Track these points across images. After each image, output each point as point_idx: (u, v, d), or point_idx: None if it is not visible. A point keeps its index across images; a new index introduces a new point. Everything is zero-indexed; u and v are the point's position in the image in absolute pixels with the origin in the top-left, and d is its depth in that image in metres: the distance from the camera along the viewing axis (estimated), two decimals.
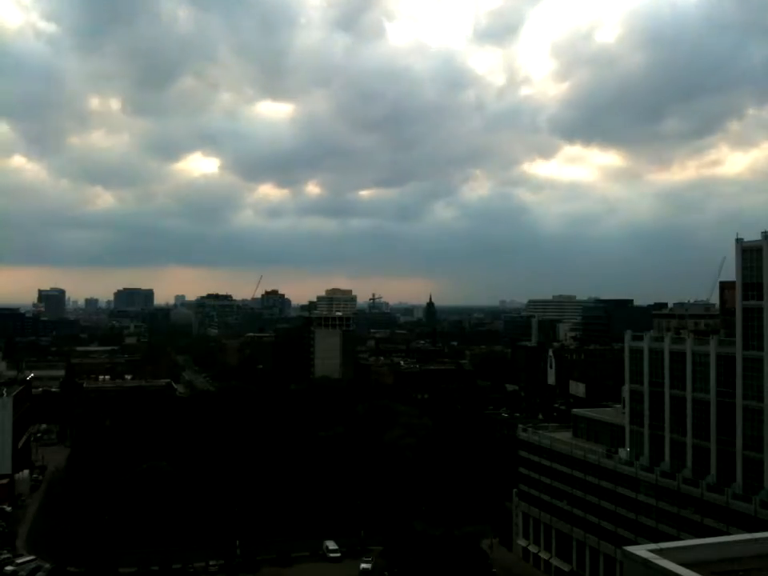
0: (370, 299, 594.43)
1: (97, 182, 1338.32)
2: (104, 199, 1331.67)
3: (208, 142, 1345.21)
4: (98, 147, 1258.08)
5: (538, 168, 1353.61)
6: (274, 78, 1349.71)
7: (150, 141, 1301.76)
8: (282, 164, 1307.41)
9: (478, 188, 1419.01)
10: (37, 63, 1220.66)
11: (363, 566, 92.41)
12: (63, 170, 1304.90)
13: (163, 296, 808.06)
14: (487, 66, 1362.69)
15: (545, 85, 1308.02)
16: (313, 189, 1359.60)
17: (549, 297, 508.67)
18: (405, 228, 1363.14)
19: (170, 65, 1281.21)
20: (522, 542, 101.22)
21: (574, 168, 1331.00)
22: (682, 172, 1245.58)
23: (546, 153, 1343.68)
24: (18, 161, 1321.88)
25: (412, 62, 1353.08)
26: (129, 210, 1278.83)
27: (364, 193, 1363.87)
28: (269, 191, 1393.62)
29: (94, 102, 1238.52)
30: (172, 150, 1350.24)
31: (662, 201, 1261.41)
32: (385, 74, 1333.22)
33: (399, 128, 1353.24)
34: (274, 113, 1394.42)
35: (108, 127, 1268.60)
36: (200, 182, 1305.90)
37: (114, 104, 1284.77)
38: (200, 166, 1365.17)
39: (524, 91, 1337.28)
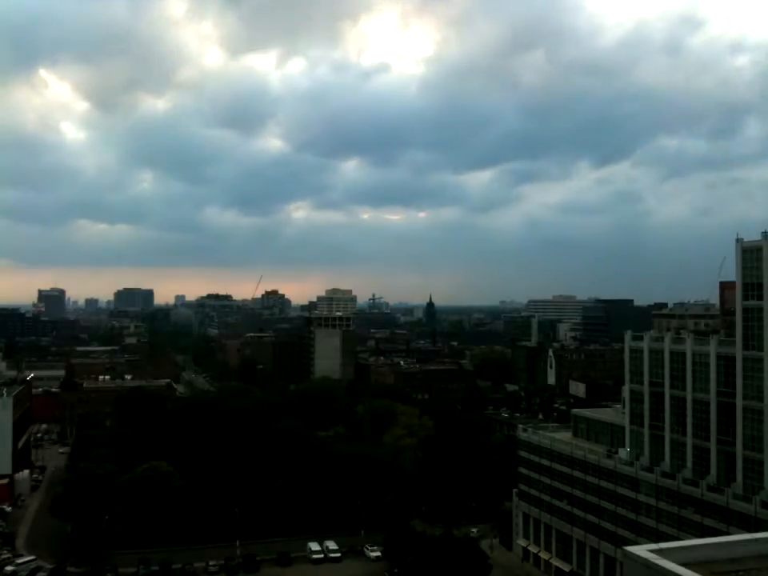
0: (370, 299, 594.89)
1: (144, 162, 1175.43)
2: (144, 184, 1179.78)
3: (302, 101, 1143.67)
4: (165, 113, 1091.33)
5: (694, 143, 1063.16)
6: None
7: (229, 105, 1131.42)
8: (379, 136, 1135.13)
9: (597, 168, 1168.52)
10: None
11: (374, 554, 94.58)
12: (112, 142, 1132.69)
13: (163, 296, 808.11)
14: None
15: None
16: (398, 170, 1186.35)
17: (549, 297, 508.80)
18: (481, 221, 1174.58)
19: None
20: (522, 542, 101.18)
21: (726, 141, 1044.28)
22: None
23: (720, 122, 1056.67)
24: (63, 130, 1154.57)
25: None
26: (169, 198, 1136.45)
27: (452, 178, 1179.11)
28: (352, 172, 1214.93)
29: (185, 39, 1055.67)
30: (249, 118, 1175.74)
31: None
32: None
33: (550, 85, 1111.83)
34: (403, 56, 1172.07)
35: (190, 80, 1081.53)
36: (269, 161, 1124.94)
37: (210, 42, 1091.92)
38: (278, 137, 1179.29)
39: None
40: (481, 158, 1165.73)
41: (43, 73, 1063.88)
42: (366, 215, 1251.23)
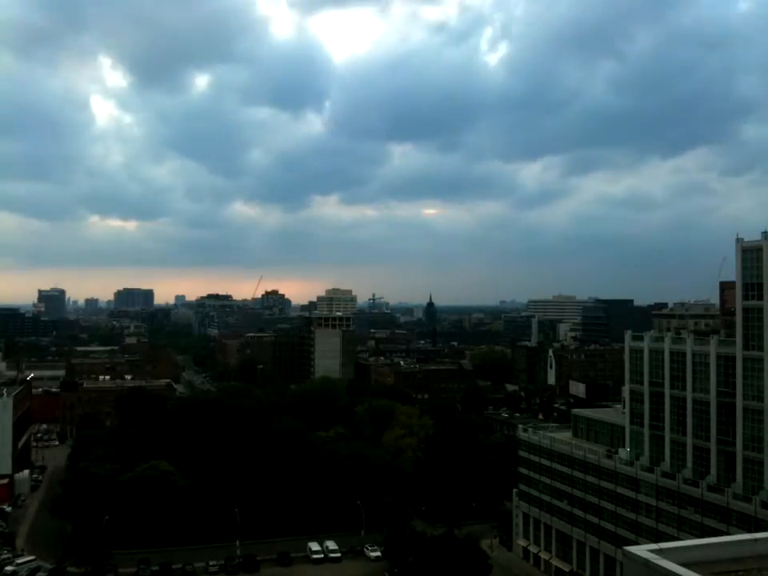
0: (370, 299, 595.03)
1: (172, 149, 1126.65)
2: (168, 176, 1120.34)
3: (368, 74, 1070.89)
4: (207, 90, 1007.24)
5: None
6: None
7: (283, 79, 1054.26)
8: (444, 115, 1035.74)
9: (667, 158, 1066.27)
10: None
11: (374, 554, 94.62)
12: (143, 125, 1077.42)
13: (163, 296, 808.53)
14: None
15: None
16: (452, 157, 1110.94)
17: (549, 297, 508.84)
18: (525, 216, 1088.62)
19: None
20: (522, 542, 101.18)
21: None
22: None
23: None
24: (97, 108, 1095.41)
25: None
26: (193, 190, 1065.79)
27: (504, 167, 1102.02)
28: (401, 159, 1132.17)
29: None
30: (301, 93, 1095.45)
31: None
32: None
33: (654, 58, 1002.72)
34: (501, 12, 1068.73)
35: (246, 50, 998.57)
36: (309, 148, 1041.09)
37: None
38: (327, 118, 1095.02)
39: None
40: (544, 144, 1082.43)
41: (84, 40, 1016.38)
42: (399, 210, 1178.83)
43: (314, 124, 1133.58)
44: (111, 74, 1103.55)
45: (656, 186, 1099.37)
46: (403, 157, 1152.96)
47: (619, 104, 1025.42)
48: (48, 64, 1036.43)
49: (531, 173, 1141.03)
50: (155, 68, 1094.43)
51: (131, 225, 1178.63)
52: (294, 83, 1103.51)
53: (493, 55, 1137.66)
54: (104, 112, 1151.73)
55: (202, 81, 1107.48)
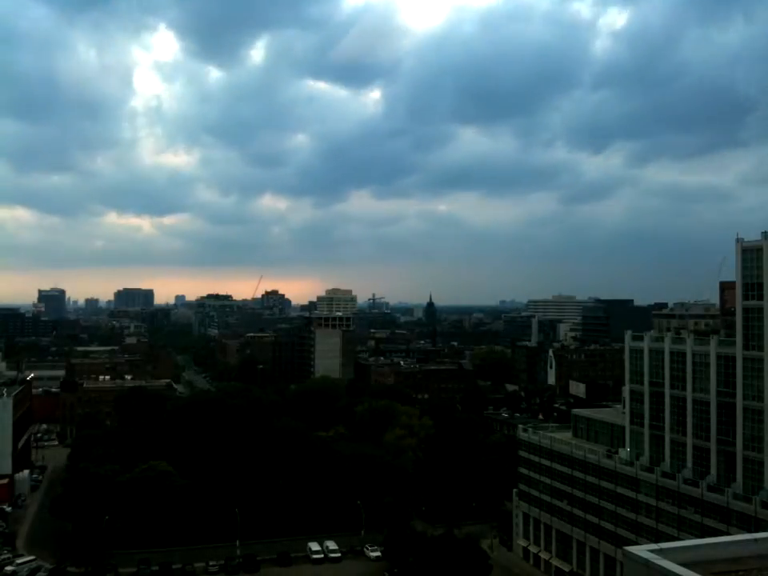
0: (370, 299, 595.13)
1: (206, 130, 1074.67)
2: (196, 162, 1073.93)
3: (453, 38, 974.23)
4: (263, 62, 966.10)
5: None
6: None
7: (353, 48, 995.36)
8: (526, 91, 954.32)
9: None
10: None
11: (374, 554, 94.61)
12: (187, 103, 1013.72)
13: (163, 296, 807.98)
14: None
15: None
16: (520, 142, 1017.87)
17: (549, 297, 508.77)
18: (575, 211, 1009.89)
19: None
20: (522, 542, 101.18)
21: None
22: None
23: None
24: (138, 84, 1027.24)
25: None
26: (222, 181, 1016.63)
27: (570, 156, 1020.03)
28: (459, 144, 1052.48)
29: None
30: (361, 63, 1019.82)
31: None
32: None
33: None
34: None
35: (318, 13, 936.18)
36: (359, 135, 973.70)
37: None
38: (391, 97, 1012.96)
39: None
40: (620, 128, 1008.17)
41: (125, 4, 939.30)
42: (439, 205, 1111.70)
43: (371, 102, 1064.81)
44: (163, 40, 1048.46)
45: (727, 177, 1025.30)
46: (463, 142, 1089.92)
47: (728, 79, 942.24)
48: (93, 27, 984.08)
49: (594, 163, 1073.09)
50: (212, 34, 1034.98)
51: (145, 222, 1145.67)
52: (363, 52, 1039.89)
53: (610, 15, 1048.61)
54: (144, 88, 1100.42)
55: (259, 50, 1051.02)
